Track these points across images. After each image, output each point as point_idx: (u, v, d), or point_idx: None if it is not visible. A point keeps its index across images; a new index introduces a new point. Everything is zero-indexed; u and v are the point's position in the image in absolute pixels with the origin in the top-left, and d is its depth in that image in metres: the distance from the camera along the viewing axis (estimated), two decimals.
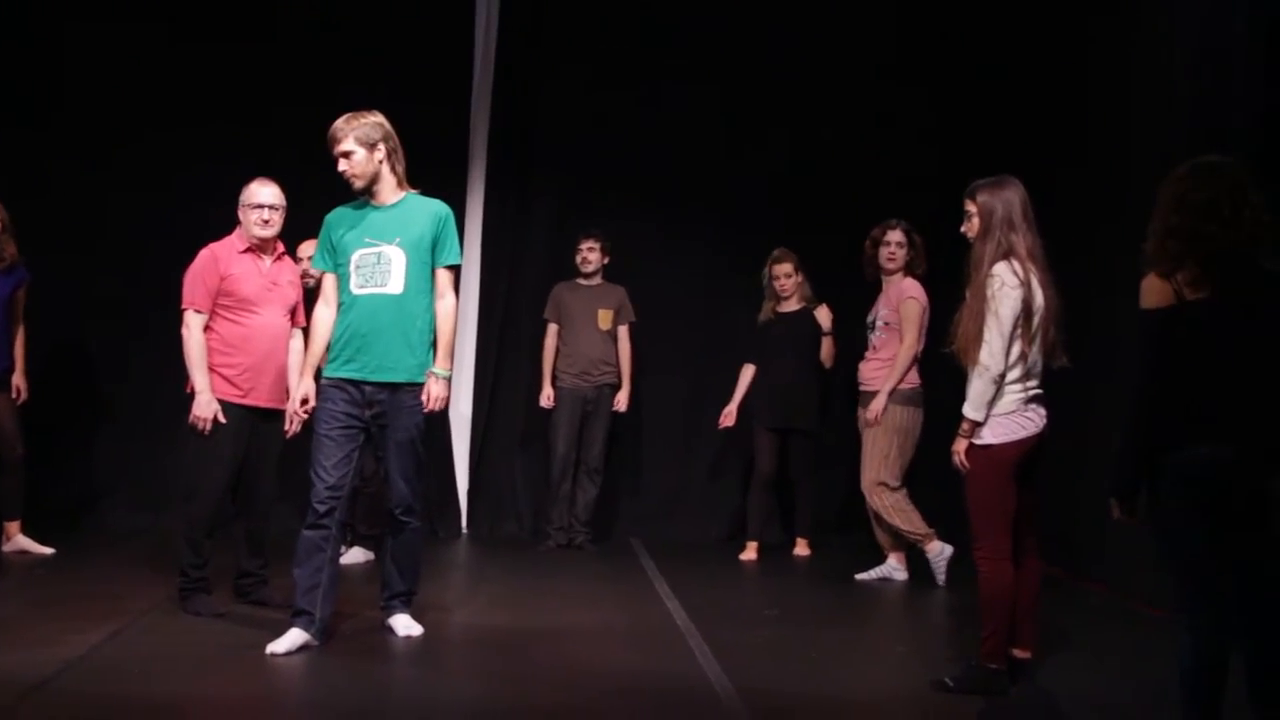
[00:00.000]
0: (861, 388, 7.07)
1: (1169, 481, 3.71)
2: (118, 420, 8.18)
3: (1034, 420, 4.63)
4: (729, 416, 7.91)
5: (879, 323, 7.03)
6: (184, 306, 5.63)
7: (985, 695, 4.57)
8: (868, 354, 7.09)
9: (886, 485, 6.83)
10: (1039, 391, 4.66)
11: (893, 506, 6.85)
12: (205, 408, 5.53)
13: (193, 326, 5.60)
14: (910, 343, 6.85)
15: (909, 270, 7.02)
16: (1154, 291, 3.75)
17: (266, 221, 5.66)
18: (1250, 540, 3.73)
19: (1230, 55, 5.78)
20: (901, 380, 6.85)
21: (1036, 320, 4.60)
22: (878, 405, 6.84)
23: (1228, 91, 5.78)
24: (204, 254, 5.68)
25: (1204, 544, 3.69)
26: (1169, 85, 6.35)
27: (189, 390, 5.60)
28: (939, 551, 6.82)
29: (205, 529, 5.62)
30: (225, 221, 5.82)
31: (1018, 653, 4.69)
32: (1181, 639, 3.70)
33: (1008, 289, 4.55)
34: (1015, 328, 4.56)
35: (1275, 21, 5.43)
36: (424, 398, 5.10)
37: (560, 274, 8.21)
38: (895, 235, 7.01)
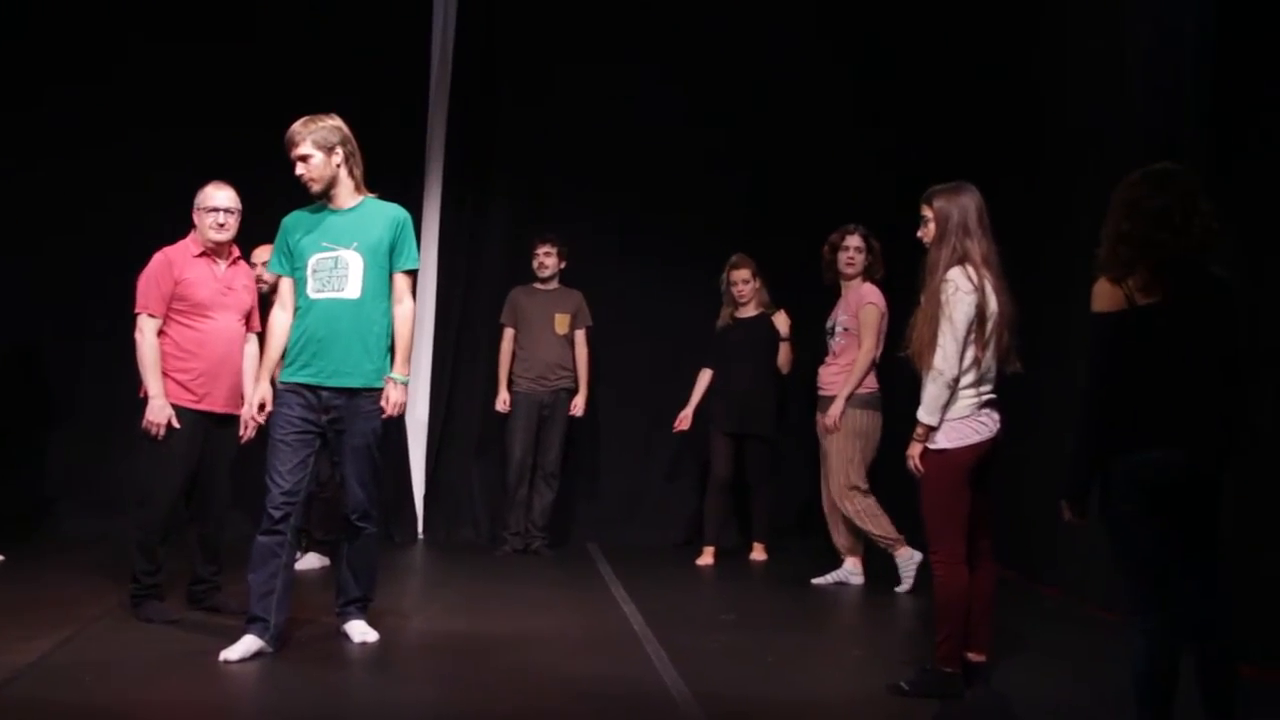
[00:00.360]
0: (820, 392, 7.10)
1: (1120, 484, 3.76)
2: (70, 425, 8.09)
3: (988, 425, 4.67)
4: (684, 420, 7.92)
5: (838, 328, 7.06)
6: (137, 311, 5.58)
7: (940, 699, 4.59)
8: (827, 359, 7.12)
9: (858, 489, 6.86)
10: (993, 396, 4.70)
11: (864, 512, 6.87)
12: (159, 413, 5.48)
13: (146, 331, 5.55)
14: (868, 348, 6.89)
15: (868, 275, 7.05)
16: (1105, 296, 3.80)
17: (222, 225, 5.62)
18: (1201, 542, 3.78)
19: (1180, 64, 5.85)
20: (859, 385, 6.88)
21: (990, 325, 4.63)
22: (835, 411, 6.87)
23: (1178, 99, 5.85)
24: (158, 258, 5.64)
25: (1156, 546, 3.74)
26: (1120, 93, 6.42)
27: (142, 395, 5.55)
28: (909, 557, 6.84)
29: (158, 535, 5.57)
30: (180, 225, 5.78)
31: (973, 656, 4.72)
32: (1134, 642, 3.74)
33: (962, 294, 4.59)
34: (969, 333, 4.60)
35: (1224, 30, 5.50)
36: (382, 403, 5.08)
37: (517, 278, 8.20)
38: (854, 240, 7.04)
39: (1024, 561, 7.02)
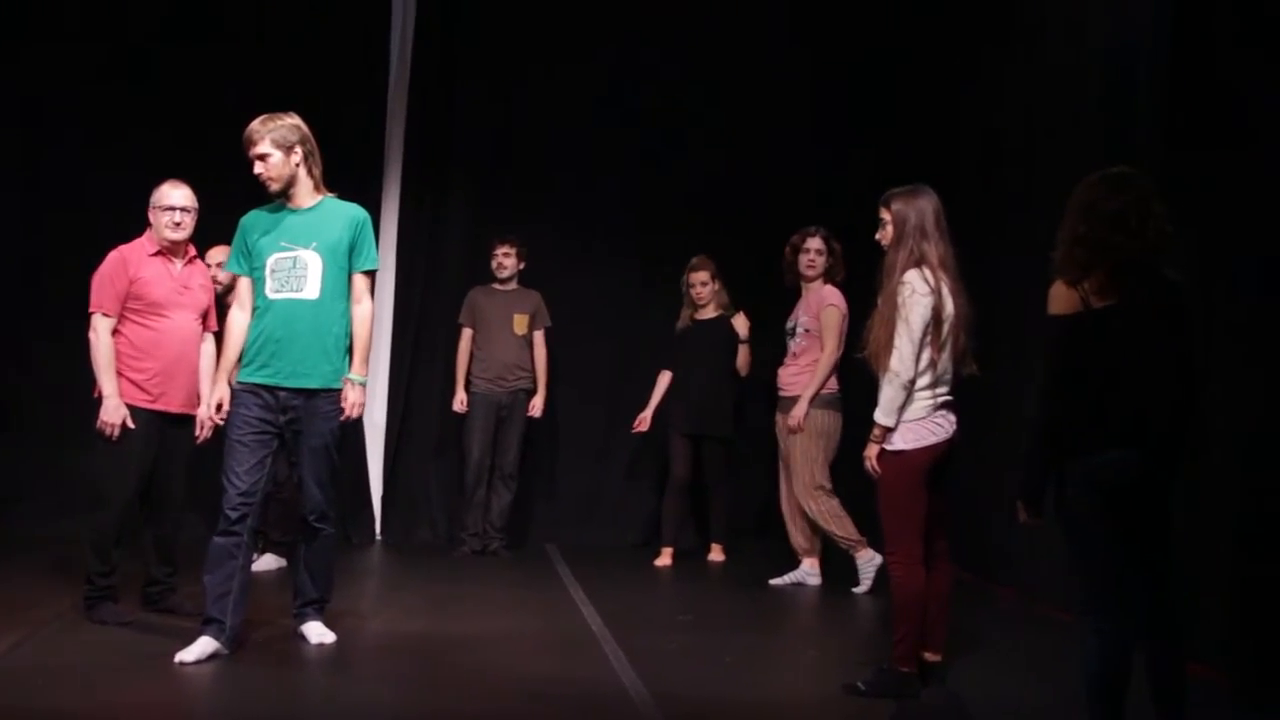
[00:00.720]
0: (781, 393, 7.12)
1: (1075, 485, 3.80)
2: (23, 426, 7.98)
3: (944, 426, 4.70)
4: (643, 422, 7.93)
5: (799, 329, 7.08)
6: (91, 310, 5.52)
7: (897, 698, 4.62)
8: (787, 360, 7.14)
9: (824, 489, 6.88)
10: (950, 398, 4.74)
11: (829, 512, 6.89)
12: (113, 413, 5.43)
13: (100, 330, 5.50)
14: (831, 350, 6.91)
15: (828, 277, 7.07)
16: (1061, 298, 3.83)
17: (178, 224, 5.57)
18: (1154, 542, 3.82)
19: (1134, 69, 5.92)
20: (823, 387, 6.91)
21: (946, 328, 4.67)
22: (799, 412, 6.89)
23: (1131, 104, 5.92)
24: (113, 256, 5.58)
25: (1110, 547, 3.78)
26: (1076, 98, 6.48)
27: (97, 395, 5.50)
28: (869, 559, 6.85)
29: (113, 536, 5.51)
30: (136, 223, 5.73)
31: (929, 656, 4.76)
32: (1087, 641, 3.77)
33: (918, 296, 4.62)
34: (925, 334, 4.63)
35: (1178, 36, 5.57)
36: (342, 404, 5.06)
37: (476, 278, 8.18)
38: (814, 242, 7.06)
39: (980, 562, 7.07)
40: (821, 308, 6.97)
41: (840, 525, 6.91)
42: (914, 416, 4.66)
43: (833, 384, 6.99)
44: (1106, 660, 3.74)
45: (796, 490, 6.96)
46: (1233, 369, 5.09)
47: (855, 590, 6.84)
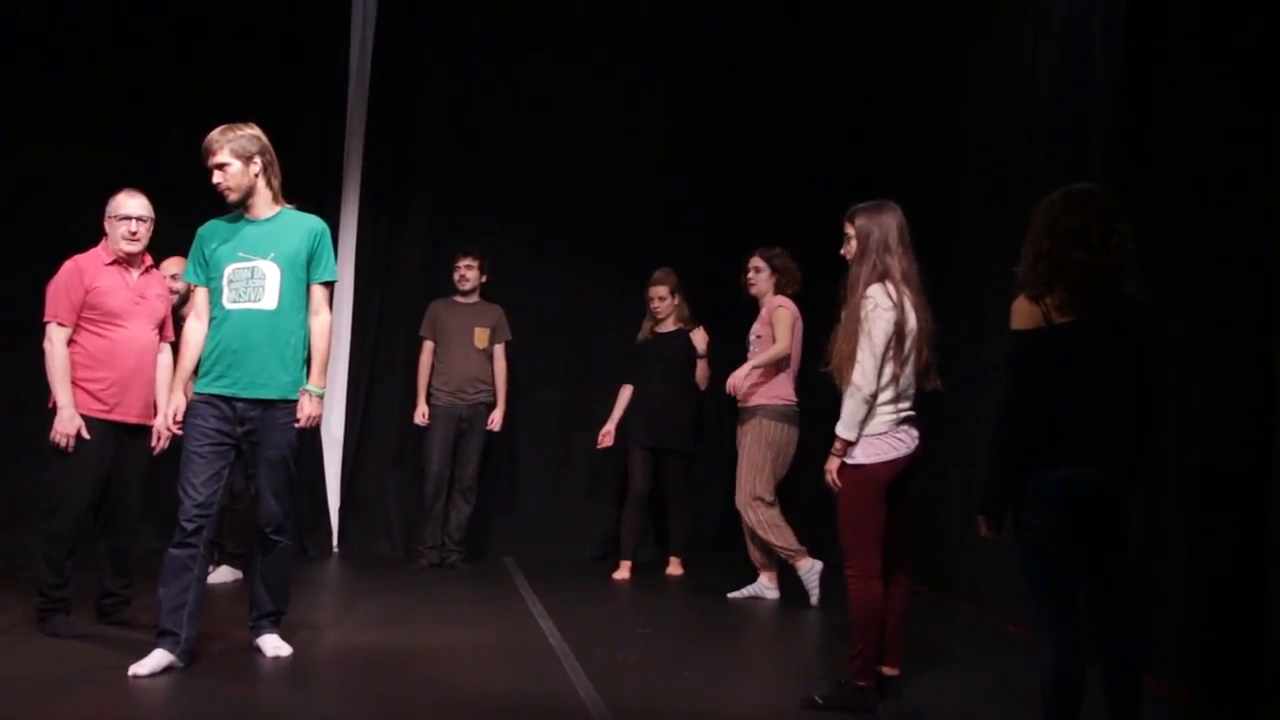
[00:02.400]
0: (740, 404, 7.14)
1: (1032, 500, 3.82)
2: None
3: (905, 441, 4.73)
4: (608, 436, 7.93)
5: (753, 337, 7.13)
6: (46, 319, 5.47)
7: (854, 712, 4.64)
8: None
9: (762, 500, 6.90)
10: (912, 413, 4.76)
11: (766, 522, 6.92)
12: (68, 423, 5.38)
13: (55, 340, 5.44)
14: (783, 341, 6.92)
15: (779, 290, 7.12)
16: (1023, 313, 3.86)
17: (134, 234, 5.52)
18: (1110, 558, 3.85)
19: (1089, 87, 5.99)
20: (773, 367, 6.91)
21: (909, 343, 4.71)
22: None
23: (1086, 122, 5.99)
24: (68, 265, 5.53)
25: (1066, 561, 3.80)
26: (1033, 116, 6.56)
27: (51, 405, 5.44)
28: (810, 568, 6.89)
29: (66, 548, 5.45)
30: (92, 233, 5.68)
31: (886, 670, 4.78)
32: (1043, 655, 3.80)
33: (881, 310, 4.65)
34: (888, 349, 4.66)
35: (1131, 55, 5.64)
36: (298, 415, 5.04)
37: (436, 291, 8.17)
38: (754, 262, 7.19)
39: (936, 575, 7.12)
40: (772, 310, 7.02)
41: (779, 535, 6.93)
42: (875, 431, 4.68)
43: (789, 396, 7.02)
44: (1062, 673, 3.77)
45: (737, 500, 6.98)
46: (1187, 385, 5.14)
47: (812, 603, 6.85)
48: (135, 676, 4.74)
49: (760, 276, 7.14)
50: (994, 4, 7.15)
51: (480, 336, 7.95)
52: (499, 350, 8.02)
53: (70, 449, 5.38)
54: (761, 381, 6.99)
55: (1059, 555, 3.79)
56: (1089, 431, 3.77)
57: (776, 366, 6.96)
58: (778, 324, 6.98)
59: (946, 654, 5.73)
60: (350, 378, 8.40)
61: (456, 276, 7.98)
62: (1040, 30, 6.54)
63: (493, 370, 8.01)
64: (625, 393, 7.95)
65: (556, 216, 8.55)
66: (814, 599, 6.87)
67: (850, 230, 4.82)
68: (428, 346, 8.00)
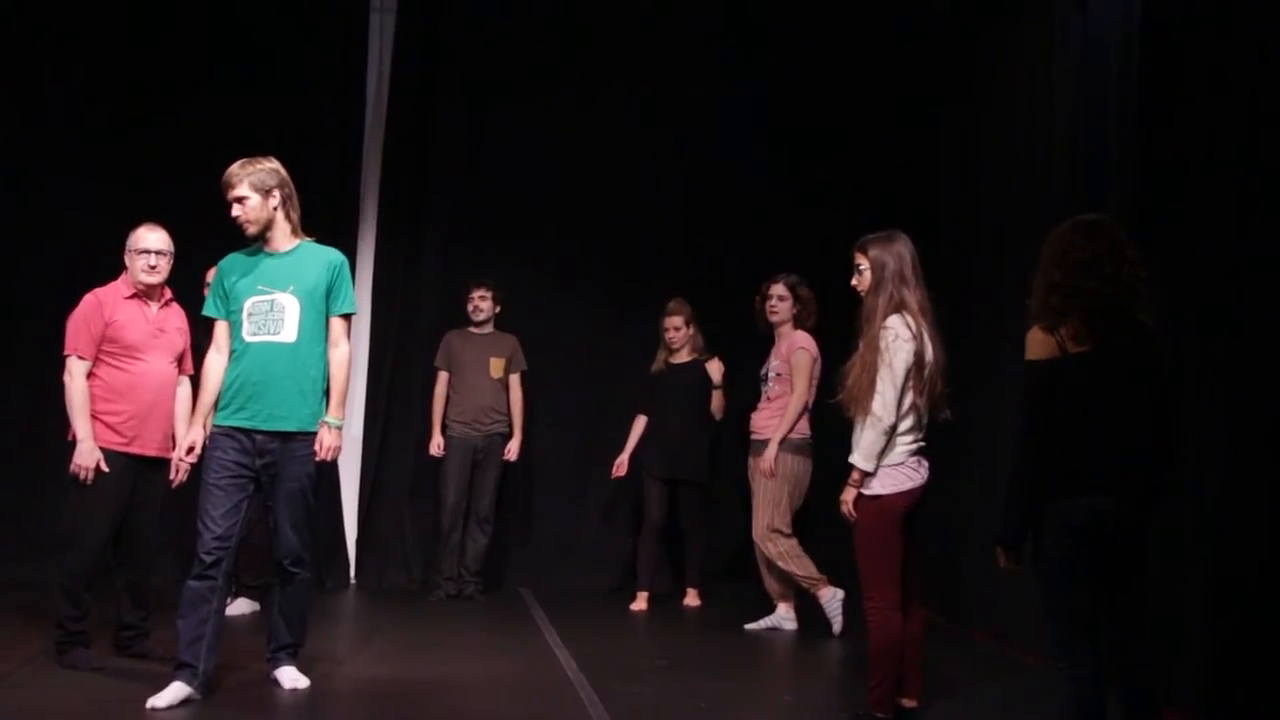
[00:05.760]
0: (753, 437, 7.14)
1: (1051, 531, 3.82)
2: None
3: (920, 472, 4.74)
4: (621, 467, 7.94)
5: (771, 374, 7.12)
6: (66, 353, 5.51)
7: None
8: (760, 404, 7.17)
9: (780, 532, 6.89)
10: (924, 444, 4.77)
11: (787, 553, 6.90)
12: (87, 456, 5.41)
13: (75, 373, 5.48)
14: (800, 391, 6.94)
15: (798, 323, 7.11)
16: (1038, 344, 3.87)
17: (153, 268, 5.57)
18: (1129, 589, 3.84)
19: (1105, 113, 6.00)
20: (792, 429, 6.93)
21: (926, 373, 4.71)
22: (770, 455, 6.91)
23: (1103, 148, 6.00)
24: (88, 299, 5.58)
25: (1084, 592, 3.80)
26: (1049, 142, 6.57)
27: (71, 438, 5.47)
28: (831, 596, 6.87)
29: (85, 580, 5.47)
30: (112, 265, 5.72)
31: (905, 702, 4.77)
32: (1063, 687, 3.79)
33: (901, 341, 4.66)
34: (908, 380, 4.66)
35: (1146, 79, 5.64)
36: (317, 447, 5.05)
37: (451, 322, 8.19)
38: (777, 289, 7.12)
39: (953, 606, 7.09)
40: (792, 352, 7.01)
41: (800, 565, 6.91)
42: (893, 461, 4.68)
43: (804, 429, 7.01)
44: (1082, 706, 3.76)
45: (755, 533, 6.97)
46: (1206, 413, 5.13)
47: (834, 632, 6.82)
48: (153, 709, 4.74)
49: (784, 305, 7.10)
50: (1010, 30, 7.18)
51: (495, 366, 7.97)
52: (514, 380, 8.04)
53: (89, 481, 5.41)
54: (777, 415, 6.99)
55: (1078, 586, 3.79)
56: (1107, 461, 3.77)
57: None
58: (798, 369, 6.95)
59: (964, 686, 5.70)
60: (367, 409, 8.42)
61: (470, 307, 8.01)
62: (1056, 56, 6.55)
63: (508, 400, 8.02)
64: (639, 423, 7.95)
65: (571, 247, 8.57)
66: (836, 628, 6.84)
67: (863, 262, 4.82)
68: (443, 377, 8.02)
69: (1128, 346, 3.84)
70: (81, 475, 5.41)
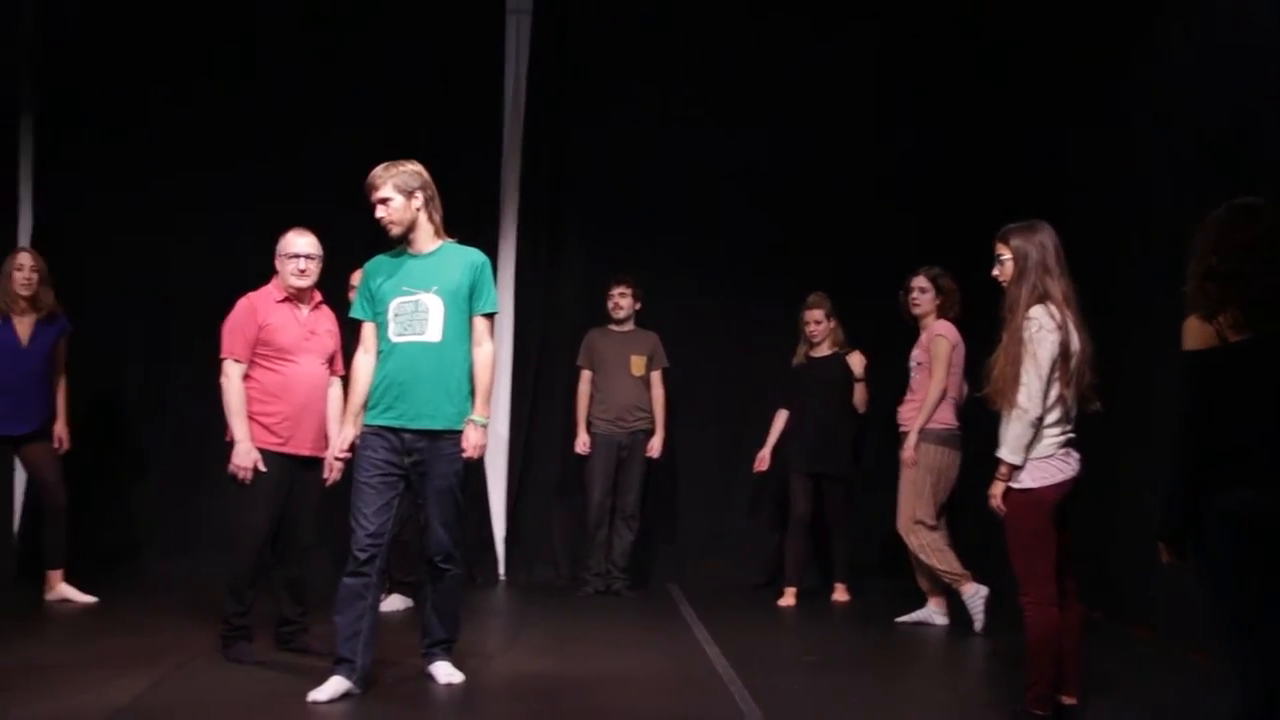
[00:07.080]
0: (901, 429, 7.06)
1: (1213, 525, 3.68)
2: (157, 468, 8.25)
3: (1070, 464, 4.62)
4: (762, 461, 7.91)
5: (914, 364, 7.05)
6: (223, 356, 5.68)
7: None
8: (906, 396, 7.10)
9: (923, 524, 6.80)
10: (1074, 435, 4.65)
11: (929, 546, 6.81)
12: (245, 456, 5.57)
13: (231, 376, 5.65)
14: (939, 378, 6.83)
15: (941, 314, 7.02)
16: (1196, 333, 3.74)
17: (303, 271, 5.70)
18: None
19: (1259, 92, 5.78)
20: (931, 418, 6.83)
21: (1073, 363, 4.59)
22: (910, 444, 6.83)
23: (1257, 130, 5.77)
24: (242, 304, 5.74)
25: (1250, 589, 3.65)
26: (1196, 124, 6.35)
27: (228, 439, 5.64)
28: (974, 593, 6.76)
29: (248, 577, 5.64)
30: (263, 269, 5.88)
31: (1065, 699, 4.66)
32: (1234, 695, 3.64)
33: (1045, 332, 4.55)
34: (1053, 371, 4.56)
35: None
36: (463, 445, 5.12)
37: (593, 320, 8.24)
38: (918, 281, 7.07)
39: (1113, 601, 6.89)
40: (931, 340, 6.92)
41: (942, 559, 6.80)
42: (1042, 454, 4.58)
43: (949, 419, 6.91)
44: (1252, 706, 3.61)
45: (898, 524, 6.88)
46: None
47: (975, 629, 6.70)
48: (314, 702, 4.85)
49: (925, 297, 7.04)
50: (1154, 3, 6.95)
51: (636, 364, 8.00)
52: (656, 377, 8.05)
53: (248, 481, 5.56)
54: (919, 406, 6.89)
55: (1242, 581, 3.64)
56: (1270, 453, 3.62)
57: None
58: (936, 356, 6.87)
59: (1126, 684, 5.54)
60: (513, 407, 8.52)
61: (610, 304, 8.05)
62: (1205, 30, 6.32)
63: (650, 397, 8.04)
64: (780, 417, 7.91)
65: (711, 243, 8.53)
66: (978, 625, 6.72)
67: (1005, 252, 4.73)
68: (585, 375, 8.08)
69: None
70: (240, 475, 5.57)
